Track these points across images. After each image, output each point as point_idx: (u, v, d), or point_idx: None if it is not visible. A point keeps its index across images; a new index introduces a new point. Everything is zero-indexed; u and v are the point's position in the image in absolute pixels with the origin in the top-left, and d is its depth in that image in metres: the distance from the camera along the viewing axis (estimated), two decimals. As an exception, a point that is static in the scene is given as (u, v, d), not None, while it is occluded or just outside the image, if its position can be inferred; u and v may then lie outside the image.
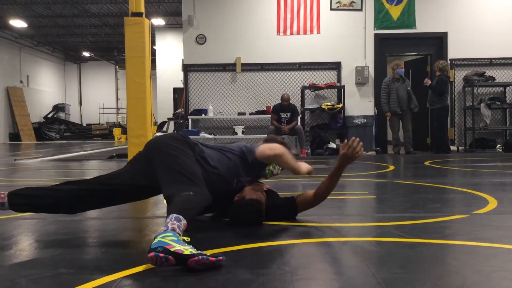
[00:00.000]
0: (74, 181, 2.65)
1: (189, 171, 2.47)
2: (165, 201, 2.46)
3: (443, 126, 9.35)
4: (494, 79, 9.95)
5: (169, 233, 2.00)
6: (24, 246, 2.46)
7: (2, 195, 2.48)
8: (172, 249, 1.90)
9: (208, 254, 1.94)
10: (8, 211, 2.56)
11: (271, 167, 2.95)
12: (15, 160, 8.97)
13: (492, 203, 3.50)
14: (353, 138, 2.75)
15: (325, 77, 10.25)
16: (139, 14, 6.18)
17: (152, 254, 1.90)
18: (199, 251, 1.95)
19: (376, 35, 10.15)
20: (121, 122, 24.26)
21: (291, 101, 9.58)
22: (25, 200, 2.51)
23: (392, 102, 9.36)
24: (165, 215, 2.20)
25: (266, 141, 3.10)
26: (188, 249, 1.93)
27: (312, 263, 2.12)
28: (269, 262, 2.09)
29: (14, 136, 19.36)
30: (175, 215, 2.11)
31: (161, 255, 1.89)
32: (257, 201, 2.73)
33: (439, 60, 9.57)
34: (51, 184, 2.58)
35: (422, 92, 9.71)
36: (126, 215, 3.13)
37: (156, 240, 1.95)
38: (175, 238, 1.97)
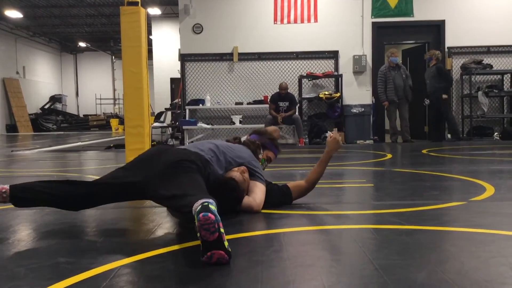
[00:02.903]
0: (76, 181, 2.64)
1: (195, 186, 2.36)
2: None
3: (448, 114, 9.37)
4: (491, 67, 9.93)
5: (212, 205, 1.89)
6: (22, 236, 2.46)
7: (4, 189, 2.46)
8: (222, 229, 1.84)
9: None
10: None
11: (263, 160, 3.24)
12: (12, 151, 8.95)
13: (490, 190, 3.51)
14: (335, 130, 3.14)
15: (323, 66, 10.22)
16: (135, 3, 6.12)
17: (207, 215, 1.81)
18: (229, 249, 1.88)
19: (373, 24, 10.10)
20: (118, 113, 24.20)
21: (288, 91, 9.56)
22: (25, 194, 2.48)
23: (389, 91, 9.36)
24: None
25: (254, 132, 3.37)
26: (226, 240, 1.87)
27: (310, 251, 2.13)
28: (267, 250, 2.09)
29: (11, 128, 19.30)
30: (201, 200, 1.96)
31: (212, 218, 1.81)
32: (233, 179, 2.69)
33: (434, 50, 9.58)
34: (52, 178, 2.57)
35: (420, 80, 9.70)
36: (124, 204, 3.12)
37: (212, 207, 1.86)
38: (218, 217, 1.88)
